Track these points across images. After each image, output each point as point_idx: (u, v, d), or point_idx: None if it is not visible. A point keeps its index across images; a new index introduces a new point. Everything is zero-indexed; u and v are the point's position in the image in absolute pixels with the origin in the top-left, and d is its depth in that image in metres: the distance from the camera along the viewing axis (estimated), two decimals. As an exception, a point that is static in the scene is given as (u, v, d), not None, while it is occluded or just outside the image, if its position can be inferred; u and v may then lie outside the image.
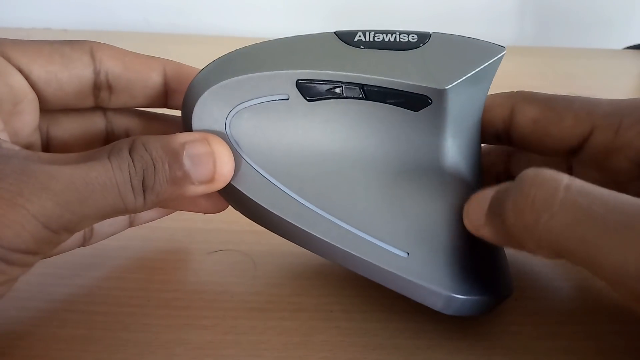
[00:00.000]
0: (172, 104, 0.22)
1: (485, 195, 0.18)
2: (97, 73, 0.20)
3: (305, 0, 0.56)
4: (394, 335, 0.21)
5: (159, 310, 0.22)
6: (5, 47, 0.19)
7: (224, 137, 0.20)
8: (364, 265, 0.20)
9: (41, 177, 0.16)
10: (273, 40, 0.20)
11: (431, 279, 0.19)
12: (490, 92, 0.21)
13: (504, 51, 0.19)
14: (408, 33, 0.19)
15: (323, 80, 0.19)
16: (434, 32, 0.19)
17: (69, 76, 0.20)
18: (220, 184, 0.19)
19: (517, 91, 0.21)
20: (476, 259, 0.20)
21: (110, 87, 0.21)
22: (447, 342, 0.21)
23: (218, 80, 0.19)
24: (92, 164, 0.17)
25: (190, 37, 0.52)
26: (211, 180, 0.19)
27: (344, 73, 0.19)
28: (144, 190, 0.18)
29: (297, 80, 0.19)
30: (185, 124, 0.20)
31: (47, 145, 0.21)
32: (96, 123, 0.22)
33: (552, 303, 0.23)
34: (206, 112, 0.20)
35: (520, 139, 0.21)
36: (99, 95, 0.21)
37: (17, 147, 0.17)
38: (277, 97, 0.19)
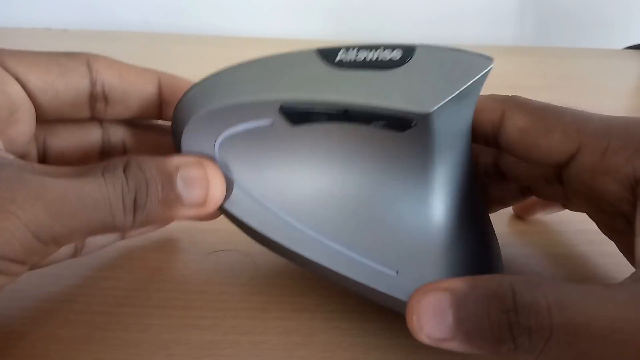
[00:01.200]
0: (166, 116, 0.22)
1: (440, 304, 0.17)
2: (93, 84, 0.20)
3: (305, 0, 0.56)
4: (394, 335, 0.21)
5: (159, 310, 0.22)
6: (3, 57, 0.19)
7: (214, 160, 0.20)
8: (355, 284, 0.20)
9: (35, 186, 0.16)
10: (255, 60, 0.19)
11: None
12: (489, 92, 0.21)
13: (491, 64, 0.18)
14: (393, 47, 0.18)
15: (306, 105, 0.18)
16: (419, 45, 0.18)
17: (65, 86, 0.20)
18: (210, 208, 0.20)
19: (511, 96, 0.21)
20: (466, 275, 0.20)
21: (106, 98, 0.21)
22: (447, 342, 0.21)
23: (202, 107, 0.19)
24: (86, 179, 0.17)
25: (190, 37, 0.52)
26: (202, 204, 0.19)
27: (327, 98, 0.18)
28: (134, 209, 0.18)
29: (281, 106, 0.18)
30: (176, 148, 0.21)
31: (44, 155, 0.21)
32: (93, 133, 0.22)
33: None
34: (194, 139, 0.20)
35: (507, 146, 0.21)
36: (95, 106, 0.21)
37: (11, 156, 0.17)
38: (262, 123, 0.19)
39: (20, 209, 0.16)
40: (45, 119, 0.20)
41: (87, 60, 0.20)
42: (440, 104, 0.17)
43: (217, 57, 0.51)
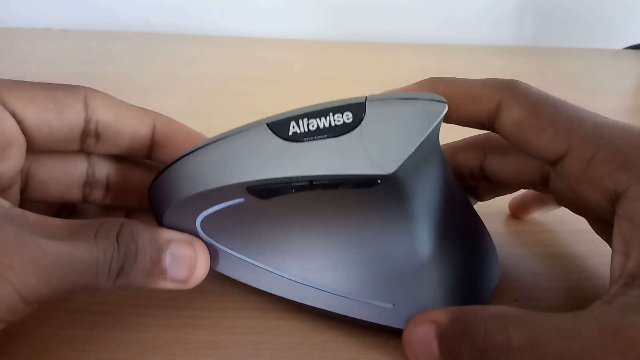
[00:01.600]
0: (155, 157, 0.22)
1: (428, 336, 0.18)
2: (87, 121, 0.20)
3: (305, 0, 0.56)
4: (394, 335, 0.21)
5: (159, 310, 0.22)
6: (1, 91, 0.19)
7: (198, 236, 0.21)
8: (356, 320, 0.21)
9: (32, 250, 0.16)
10: (216, 141, 0.19)
11: None
12: None
13: (445, 108, 0.18)
14: (342, 110, 0.18)
15: (271, 184, 0.18)
16: (368, 101, 0.18)
17: (61, 123, 0.20)
18: (190, 286, 0.20)
19: (510, 82, 0.21)
20: (460, 299, 0.20)
21: (98, 135, 0.21)
22: (447, 342, 0.21)
23: (176, 197, 0.19)
24: (78, 243, 0.17)
25: (190, 37, 0.52)
26: (184, 282, 0.20)
27: (288, 174, 0.18)
28: (117, 275, 0.18)
29: (247, 188, 0.18)
30: (157, 223, 0.21)
31: (26, 184, 0.21)
32: (78, 166, 0.22)
33: (551, 303, 0.23)
34: (175, 220, 0.20)
35: (502, 134, 0.20)
36: (85, 141, 0.21)
37: (7, 204, 0.17)
38: (234, 202, 0.19)
39: (16, 277, 0.16)
40: (34, 150, 0.20)
41: (84, 96, 0.20)
42: (401, 162, 0.17)
43: (217, 57, 0.51)
